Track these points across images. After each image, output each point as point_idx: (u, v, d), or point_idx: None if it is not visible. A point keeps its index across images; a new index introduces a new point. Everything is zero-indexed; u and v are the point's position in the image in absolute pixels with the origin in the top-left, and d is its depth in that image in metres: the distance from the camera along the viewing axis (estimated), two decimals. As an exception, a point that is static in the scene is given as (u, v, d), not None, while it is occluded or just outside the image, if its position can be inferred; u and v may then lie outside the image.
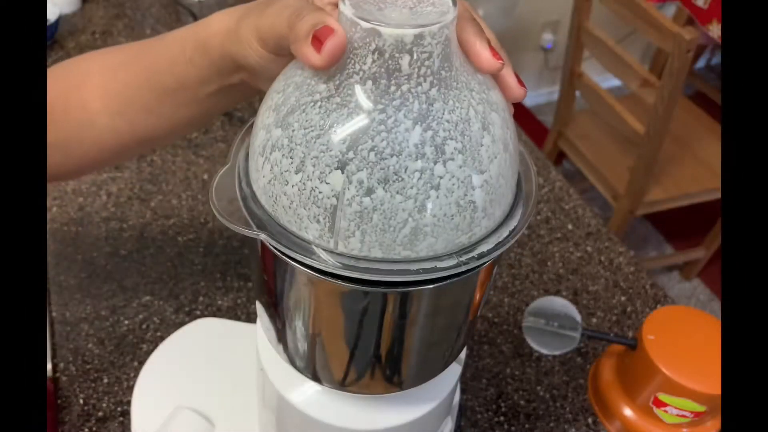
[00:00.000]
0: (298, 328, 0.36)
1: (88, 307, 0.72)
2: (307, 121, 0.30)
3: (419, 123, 0.29)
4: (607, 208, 1.90)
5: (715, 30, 1.70)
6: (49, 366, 0.67)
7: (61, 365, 0.67)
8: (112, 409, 0.64)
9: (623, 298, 0.79)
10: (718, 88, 2.29)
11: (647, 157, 1.43)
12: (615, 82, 1.82)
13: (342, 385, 0.39)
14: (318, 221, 0.30)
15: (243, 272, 0.77)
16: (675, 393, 0.61)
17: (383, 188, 0.29)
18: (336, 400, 0.42)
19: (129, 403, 0.62)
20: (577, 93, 1.63)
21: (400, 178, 0.29)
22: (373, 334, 0.34)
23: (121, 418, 0.63)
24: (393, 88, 0.29)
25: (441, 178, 0.29)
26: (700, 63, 2.56)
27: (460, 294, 0.35)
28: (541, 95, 2.47)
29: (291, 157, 0.30)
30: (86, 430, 0.63)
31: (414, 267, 0.30)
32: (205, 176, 0.89)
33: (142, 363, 0.61)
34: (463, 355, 0.46)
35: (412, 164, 0.29)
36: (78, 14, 1.19)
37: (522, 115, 2.39)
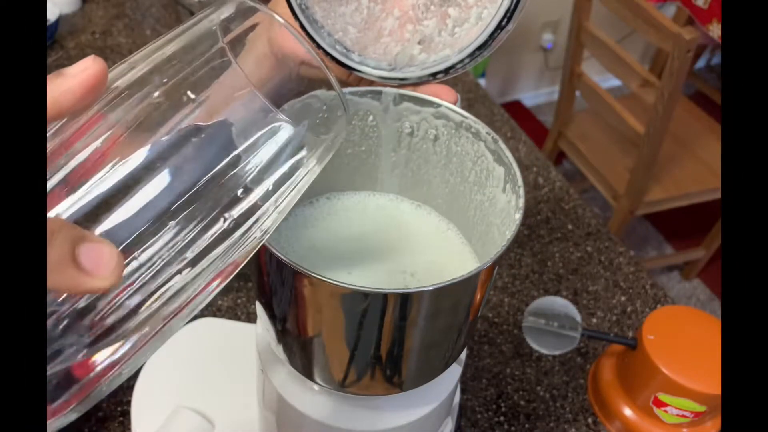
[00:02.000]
0: (298, 329, 0.36)
1: (88, 307, 0.72)
2: None
3: None
4: (607, 208, 1.90)
5: (715, 30, 1.70)
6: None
7: (61, 365, 0.67)
8: (112, 409, 0.64)
9: (623, 298, 0.79)
10: (718, 88, 2.29)
11: (647, 157, 1.43)
12: (615, 82, 1.82)
13: (342, 386, 0.39)
14: None
15: (243, 272, 0.76)
16: (675, 393, 0.61)
17: None
18: (336, 402, 0.42)
19: (129, 403, 0.62)
20: (577, 93, 1.63)
21: None
22: (373, 335, 0.34)
23: (121, 418, 0.63)
24: None
25: None
26: (700, 63, 2.56)
27: (460, 295, 0.35)
28: (541, 95, 2.47)
29: None
30: (86, 430, 0.63)
31: None
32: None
33: (142, 363, 0.61)
34: (463, 355, 0.46)
35: None
36: (78, 14, 1.19)
37: (522, 115, 2.39)
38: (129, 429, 0.60)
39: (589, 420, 0.68)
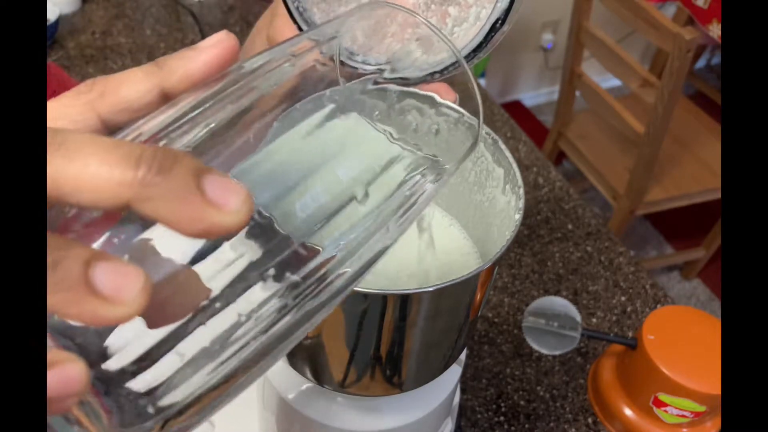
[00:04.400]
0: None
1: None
2: None
3: None
4: (607, 208, 1.90)
5: (715, 30, 1.70)
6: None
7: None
8: (112, 410, 0.64)
9: (623, 298, 0.79)
10: (718, 88, 2.29)
11: (647, 157, 1.43)
12: (615, 82, 1.82)
13: (342, 387, 0.39)
14: None
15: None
16: (675, 393, 0.61)
17: None
18: (336, 402, 0.42)
19: (129, 403, 0.62)
20: (577, 93, 1.63)
21: None
22: (373, 336, 0.34)
23: (121, 419, 0.63)
24: None
25: None
26: (700, 63, 2.56)
27: (460, 295, 0.35)
28: (541, 95, 2.47)
29: None
30: (86, 430, 0.62)
31: None
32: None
33: (142, 363, 0.61)
34: (463, 356, 0.46)
35: None
36: (78, 14, 1.19)
37: (522, 115, 2.39)
38: (129, 429, 0.60)
39: (589, 420, 0.68)
